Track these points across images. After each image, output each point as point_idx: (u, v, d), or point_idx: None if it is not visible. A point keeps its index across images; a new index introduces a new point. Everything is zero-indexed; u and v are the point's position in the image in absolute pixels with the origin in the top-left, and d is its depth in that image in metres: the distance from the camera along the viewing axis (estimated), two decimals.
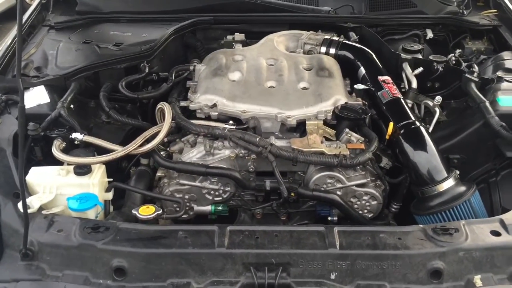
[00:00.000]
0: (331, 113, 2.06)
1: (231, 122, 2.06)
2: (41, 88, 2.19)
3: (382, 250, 1.53)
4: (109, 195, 1.86)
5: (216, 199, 2.00)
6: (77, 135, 1.98)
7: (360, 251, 1.53)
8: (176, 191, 1.98)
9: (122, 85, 2.24)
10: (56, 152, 1.88)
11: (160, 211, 1.73)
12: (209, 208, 2.00)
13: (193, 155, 2.00)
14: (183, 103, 2.16)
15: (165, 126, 1.98)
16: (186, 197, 1.99)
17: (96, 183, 1.81)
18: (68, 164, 1.89)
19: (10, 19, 6.83)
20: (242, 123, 2.08)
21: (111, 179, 1.89)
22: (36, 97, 2.14)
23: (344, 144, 1.95)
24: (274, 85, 2.19)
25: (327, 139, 1.99)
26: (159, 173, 2.01)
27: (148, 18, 2.71)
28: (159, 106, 2.11)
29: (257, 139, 1.92)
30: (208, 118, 2.12)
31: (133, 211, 1.73)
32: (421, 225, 1.63)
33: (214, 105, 2.09)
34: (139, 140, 1.96)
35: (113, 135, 2.19)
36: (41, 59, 2.37)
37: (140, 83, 2.40)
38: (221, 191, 1.98)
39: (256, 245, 1.58)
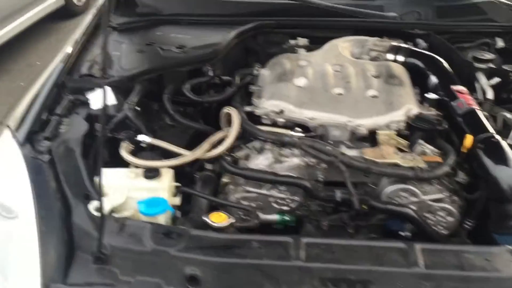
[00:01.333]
0: (403, 123, 1.99)
1: (298, 129, 2.01)
2: (107, 89, 2.18)
3: (470, 272, 1.45)
4: (177, 200, 1.83)
5: (282, 208, 1.95)
6: (143, 138, 1.96)
7: (446, 271, 1.46)
8: (243, 198, 1.94)
9: (186, 88, 2.22)
10: (125, 155, 1.87)
11: (233, 219, 1.69)
12: (275, 217, 1.95)
13: (260, 162, 1.95)
14: (248, 108, 2.13)
15: (233, 131, 1.94)
16: (253, 204, 1.95)
17: (165, 187, 1.78)
18: (135, 167, 1.88)
19: (60, 19, 6.99)
20: (309, 131, 2.03)
21: (179, 184, 1.86)
22: (101, 98, 2.13)
23: (419, 156, 1.87)
24: (341, 92, 2.13)
25: (400, 150, 1.92)
26: (224, 179, 1.98)
27: (208, 21, 2.69)
28: (225, 110, 2.07)
29: (329, 148, 1.86)
30: (273, 124, 2.08)
31: (204, 218, 1.69)
32: (508, 246, 1.54)
33: (281, 111, 2.05)
34: (206, 145, 1.93)
35: (177, 138, 2.16)
36: (106, 60, 2.37)
37: (202, 87, 2.37)
38: (289, 200, 1.93)
39: (333, 259, 1.53)
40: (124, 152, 1.88)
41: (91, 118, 2.05)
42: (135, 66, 2.30)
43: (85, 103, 2.10)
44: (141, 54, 2.40)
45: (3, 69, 5.75)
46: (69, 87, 2.15)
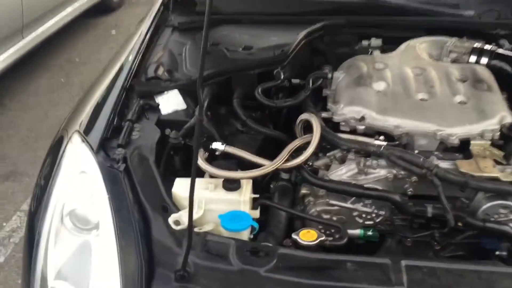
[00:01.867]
0: (497, 132, 1.84)
1: (381, 137, 1.88)
2: (176, 93, 2.09)
3: None
4: (257, 213, 1.72)
5: (366, 222, 1.83)
6: (217, 145, 1.86)
7: None
8: (324, 211, 1.82)
9: (259, 92, 2.10)
10: (203, 164, 1.77)
11: (323, 237, 1.58)
12: (357, 232, 1.83)
13: (343, 173, 1.83)
14: (324, 114, 2.00)
15: (315, 140, 1.82)
16: (334, 218, 1.83)
17: (247, 200, 1.67)
18: (210, 176, 1.78)
19: (96, 15, 6.97)
20: (392, 139, 1.89)
21: (257, 195, 1.75)
22: (171, 102, 2.04)
23: None
24: (425, 98, 1.99)
25: (496, 162, 1.77)
26: (303, 191, 1.86)
27: (272, 20, 2.57)
28: (302, 117, 1.95)
29: (421, 159, 1.73)
30: (352, 131, 1.95)
31: (293, 236, 1.58)
32: None
33: (362, 118, 1.92)
34: (285, 153, 1.82)
35: (247, 145, 2.06)
36: (170, 62, 2.28)
37: (271, 90, 2.26)
38: (373, 215, 1.81)
39: (440, 286, 1.40)
40: (202, 161, 1.78)
41: (162, 123, 1.96)
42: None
43: (155, 108, 2.01)
44: (207, 56, 2.29)
45: (43, 65, 5.74)
46: (136, 91, 2.05)
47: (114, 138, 1.83)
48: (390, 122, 1.89)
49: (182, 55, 2.31)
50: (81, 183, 1.71)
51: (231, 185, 1.69)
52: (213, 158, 1.88)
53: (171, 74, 2.20)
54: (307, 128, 1.97)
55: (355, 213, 1.81)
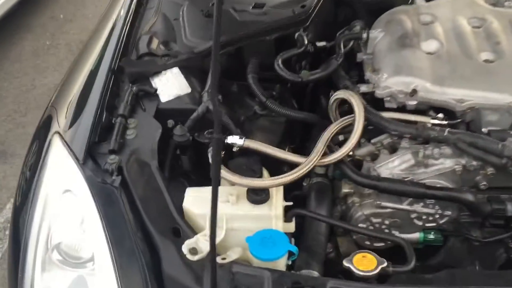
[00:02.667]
0: None
1: (440, 115, 1.50)
2: (176, 72, 1.68)
3: None
4: (291, 227, 1.36)
5: (427, 225, 1.47)
6: (235, 140, 1.47)
7: None
8: (373, 215, 1.47)
9: (279, 64, 1.69)
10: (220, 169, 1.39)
11: (385, 263, 1.22)
12: (415, 236, 1.49)
13: (395, 165, 1.46)
14: (364, 88, 1.60)
15: (358, 126, 1.43)
16: (386, 222, 1.48)
17: (279, 214, 1.31)
18: (231, 184, 1.41)
19: None
20: (453, 116, 1.51)
21: (290, 203, 1.39)
22: (172, 85, 1.64)
23: None
24: (491, 59, 1.58)
25: None
26: (345, 189, 1.50)
27: None
28: (338, 95, 1.55)
29: (499, 145, 1.35)
30: (401, 108, 1.56)
31: (346, 263, 1.23)
32: None
33: (414, 91, 1.52)
34: (321, 146, 1.43)
35: (269, 132, 1.68)
36: (165, 30, 1.85)
37: (292, 59, 1.84)
38: (437, 216, 1.45)
39: None
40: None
41: (162, 114, 1.57)
42: (205, 37, 1.77)
43: (151, 95, 1.61)
44: (210, 20, 1.86)
45: (24, 26, 5.22)
46: (127, 73, 1.65)
47: (104, 140, 1.45)
48: (451, 94, 1.50)
49: (179, 21, 1.88)
50: (67, 205, 1.34)
51: (258, 196, 1.32)
52: (230, 154, 1.50)
53: (167, 46, 1.78)
54: (343, 107, 1.59)
55: (413, 215, 1.45)
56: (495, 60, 1.57)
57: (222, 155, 1.46)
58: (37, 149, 1.57)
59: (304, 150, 1.74)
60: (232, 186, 1.39)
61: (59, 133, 1.49)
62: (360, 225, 1.48)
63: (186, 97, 1.60)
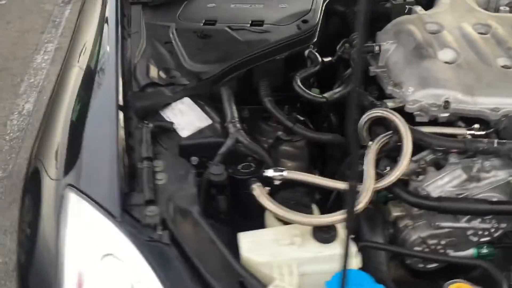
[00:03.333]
0: None
1: (476, 126, 1.46)
2: (189, 103, 1.50)
3: None
4: (359, 261, 1.25)
5: (482, 239, 1.43)
6: (275, 173, 1.32)
7: None
8: (431, 236, 1.39)
9: (299, 85, 1.57)
10: (273, 207, 1.23)
11: None
12: (470, 252, 1.43)
13: (445, 182, 1.39)
14: (390, 104, 1.53)
15: (408, 146, 1.34)
16: (443, 242, 1.41)
17: (354, 252, 1.19)
18: (277, 217, 1.26)
19: None
20: (487, 126, 1.48)
21: (353, 235, 1.27)
22: (189, 117, 1.46)
23: None
24: (508, 64, 1.58)
25: None
26: (395, 213, 1.41)
27: None
28: (372, 113, 1.46)
29: None
30: (432, 122, 1.51)
31: None
32: None
33: (447, 103, 1.48)
34: (371, 170, 1.33)
35: (295, 158, 1.56)
36: (159, 56, 1.66)
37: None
38: (492, 230, 1.41)
39: None
40: (268, 201, 1.25)
41: (185, 151, 1.39)
42: (209, 59, 1.61)
43: (168, 130, 1.42)
44: (208, 41, 1.70)
45: None
46: (137, 109, 1.44)
47: (132, 190, 1.23)
48: (483, 103, 1.47)
49: (172, 44, 1.69)
50: (110, 272, 1.11)
51: (327, 233, 1.19)
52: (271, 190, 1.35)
53: (169, 74, 1.59)
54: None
55: (469, 232, 1.40)
56: None
57: (267, 192, 1.31)
58: (33, 205, 1.33)
59: (325, 171, 1.65)
60: (287, 225, 1.25)
61: (73, 186, 1.25)
62: (416, 248, 1.40)
63: (207, 130, 1.43)
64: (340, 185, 1.33)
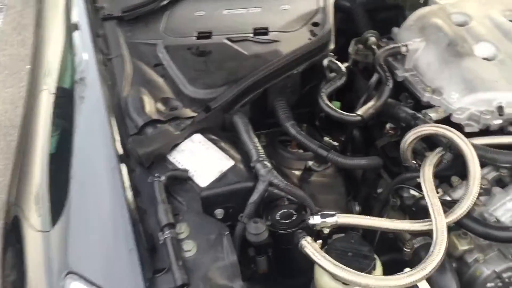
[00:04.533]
0: None
1: None
2: (201, 141, 1.22)
3: None
4: None
5: None
6: (323, 219, 1.09)
7: None
8: (506, 270, 1.19)
9: (326, 103, 1.33)
10: (336, 269, 0.99)
11: None
12: None
13: None
14: (433, 115, 1.31)
15: (475, 168, 1.12)
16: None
17: None
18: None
19: None
20: None
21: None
22: (204, 160, 1.18)
23: None
24: None
25: None
26: (463, 247, 1.19)
27: None
28: (424, 130, 1.22)
29: None
30: (484, 131, 1.30)
31: None
32: None
33: (501, 109, 1.27)
34: (437, 202, 1.11)
35: (333, 191, 1.33)
36: (153, 84, 1.37)
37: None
38: None
39: None
40: (326, 262, 1.00)
41: (208, 204, 1.12)
42: (214, 82, 1.34)
43: (183, 179, 1.15)
44: (209, 58, 1.42)
45: None
46: (142, 156, 1.15)
47: (156, 271, 0.97)
48: None
49: (165, 67, 1.41)
50: None
51: None
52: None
53: (168, 105, 1.31)
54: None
55: None
56: None
57: (319, 245, 1.07)
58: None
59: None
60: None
61: (75, 273, 0.97)
62: (489, 284, 1.19)
63: (231, 174, 1.16)
64: (409, 226, 1.10)
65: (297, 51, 1.37)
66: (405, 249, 1.22)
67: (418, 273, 0.97)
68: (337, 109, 1.31)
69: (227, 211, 1.15)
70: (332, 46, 1.45)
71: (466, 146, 1.15)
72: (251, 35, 1.48)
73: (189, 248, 1.01)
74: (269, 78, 1.34)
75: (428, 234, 1.21)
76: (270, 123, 1.43)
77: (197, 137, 1.23)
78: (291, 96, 1.43)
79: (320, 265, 1.01)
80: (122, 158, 1.13)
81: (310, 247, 1.03)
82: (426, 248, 1.21)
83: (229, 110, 1.30)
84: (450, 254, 1.23)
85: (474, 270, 1.20)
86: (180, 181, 1.14)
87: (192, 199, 1.11)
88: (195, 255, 1.00)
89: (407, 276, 0.96)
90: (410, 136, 1.25)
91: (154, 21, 1.58)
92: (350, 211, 1.32)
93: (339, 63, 1.44)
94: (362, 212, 1.37)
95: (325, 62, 1.43)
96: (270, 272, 1.14)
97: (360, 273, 0.99)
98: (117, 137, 1.18)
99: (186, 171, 1.15)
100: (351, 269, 0.98)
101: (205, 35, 1.49)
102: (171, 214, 1.04)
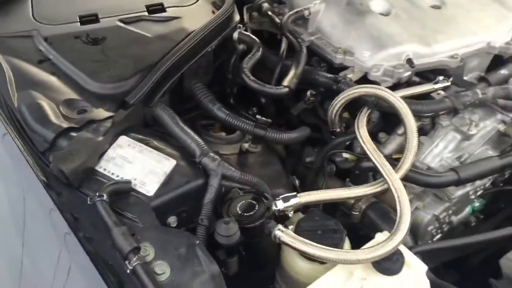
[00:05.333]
0: None
1: (440, 77, 1.34)
2: (130, 144, 1.06)
3: None
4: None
5: (477, 194, 1.35)
6: (286, 203, 1.03)
7: None
8: (443, 210, 1.27)
9: (252, 78, 1.24)
10: (318, 251, 0.94)
11: None
12: (466, 212, 1.36)
13: (441, 149, 1.27)
14: (350, 76, 1.32)
15: (411, 124, 1.14)
16: (450, 212, 1.30)
17: (424, 268, 0.99)
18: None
19: None
20: (447, 76, 1.38)
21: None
22: (141, 164, 1.02)
23: None
24: (437, 4, 1.50)
25: None
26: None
27: None
28: (353, 93, 1.20)
29: None
30: (395, 85, 1.35)
31: None
32: None
33: (410, 61, 1.33)
34: (385, 162, 1.12)
35: (272, 166, 1.27)
36: (45, 84, 1.13)
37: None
38: (488, 182, 1.34)
39: None
40: (305, 246, 0.94)
41: (160, 213, 0.98)
42: (121, 73, 1.16)
43: (126, 192, 0.98)
44: (105, 46, 1.22)
45: None
46: (67, 175, 0.95)
47: None
48: (441, 52, 1.37)
49: (53, 61, 1.17)
50: None
51: (395, 262, 0.96)
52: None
53: (73, 107, 1.10)
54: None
55: (471, 192, 1.32)
56: (441, 4, 1.50)
57: (292, 230, 1.01)
58: None
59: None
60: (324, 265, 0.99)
61: None
62: (430, 228, 1.27)
63: (177, 175, 1.03)
64: (367, 190, 1.10)
65: (208, 26, 1.24)
66: (353, 213, 1.23)
67: (399, 235, 0.97)
68: (265, 84, 1.24)
69: (180, 216, 1.02)
70: (237, 17, 1.35)
71: (399, 102, 1.17)
72: (146, 13, 1.31)
73: (162, 270, 0.87)
74: (185, 61, 1.20)
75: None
76: (186, 108, 1.30)
77: (124, 140, 1.06)
78: (204, 77, 1.31)
79: (303, 252, 0.96)
80: (48, 185, 0.92)
81: (286, 236, 0.97)
82: (372, 207, 1.24)
83: (149, 104, 1.14)
84: (394, 207, 1.28)
85: (416, 217, 1.27)
86: (122, 195, 0.97)
87: (143, 212, 0.96)
88: (171, 276, 0.87)
89: (390, 240, 0.96)
90: (340, 100, 1.24)
91: (18, 7, 1.31)
92: (294, 187, 1.28)
93: (251, 34, 1.35)
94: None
95: (235, 35, 1.33)
96: (239, 270, 1.06)
97: (347, 250, 0.97)
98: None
99: (128, 182, 0.98)
100: (336, 249, 0.95)
101: (90, 18, 1.28)
102: (130, 236, 0.88)
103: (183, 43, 1.21)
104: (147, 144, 1.06)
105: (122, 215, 0.94)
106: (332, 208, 1.32)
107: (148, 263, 0.87)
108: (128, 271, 0.84)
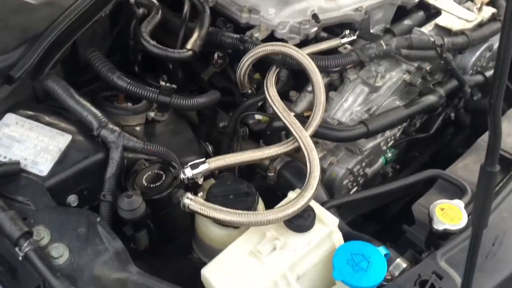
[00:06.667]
0: None
1: (347, 31, 1.33)
2: (17, 121, 0.97)
3: None
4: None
5: (389, 145, 1.37)
6: (195, 170, 0.99)
7: None
8: (356, 163, 1.27)
9: (153, 43, 1.16)
10: (231, 217, 0.91)
11: None
12: (380, 163, 1.38)
13: (351, 103, 1.27)
14: (257, 35, 1.29)
15: (318, 81, 1.13)
16: (363, 164, 1.30)
17: (336, 223, 0.99)
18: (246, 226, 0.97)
19: None
20: (354, 29, 1.37)
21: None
22: (32, 142, 0.94)
23: None
24: None
25: None
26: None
27: None
28: (260, 51, 1.17)
29: (428, 38, 1.32)
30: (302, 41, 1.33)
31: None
32: None
33: (315, 16, 1.31)
34: (293, 119, 1.10)
35: (183, 132, 1.22)
36: None
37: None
38: (397, 132, 1.36)
39: None
40: (217, 213, 0.92)
41: (57, 193, 0.92)
42: (9, 44, 1.06)
43: (15, 173, 0.90)
44: None
45: None
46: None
47: None
48: (348, 5, 1.36)
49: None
50: None
51: (306, 219, 0.95)
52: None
53: None
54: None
55: (382, 143, 1.33)
56: None
57: (202, 196, 0.98)
58: None
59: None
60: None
61: None
62: (344, 182, 1.28)
63: (72, 150, 0.96)
64: (278, 150, 1.08)
65: None
66: (268, 174, 1.22)
67: (309, 191, 0.96)
68: (167, 48, 1.17)
69: (81, 194, 0.96)
70: None
71: (305, 59, 1.15)
72: None
73: (59, 253, 0.81)
74: (76, 28, 1.11)
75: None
76: (86, 80, 1.21)
77: (11, 118, 0.97)
78: (102, 44, 1.22)
79: (213, 218, 0.93)
80: None
81: (195, 203, 0.94)
82: (286, 166, 1.23)
83: (38, 76, 1.05)
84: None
85: (330, 172, 1.27)
86: (12, 177, 0.89)
87: (36, 194, 0.89)
88: (70, 258, 0.81)
89: (300, 197, 0.95)
90: (247, 61, 1.20)
91: None
92: (207, 154, 1.24)
93: None
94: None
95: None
96: (150, 243, 1.02)
97: (257, 212, 0.94)
98: None
99: (16, 162, 0.90)
100: (246, 212, 0.92)
101: None
102: (20, 220, 0.81)
103: (73, 8, 1.12)
104: (38, 120, 0.98)
105: (11, 199, 0.87)
106: (250, 172, 1.31)
107: (43, 248, 0.81)
108: (20, 258, 0.78)
